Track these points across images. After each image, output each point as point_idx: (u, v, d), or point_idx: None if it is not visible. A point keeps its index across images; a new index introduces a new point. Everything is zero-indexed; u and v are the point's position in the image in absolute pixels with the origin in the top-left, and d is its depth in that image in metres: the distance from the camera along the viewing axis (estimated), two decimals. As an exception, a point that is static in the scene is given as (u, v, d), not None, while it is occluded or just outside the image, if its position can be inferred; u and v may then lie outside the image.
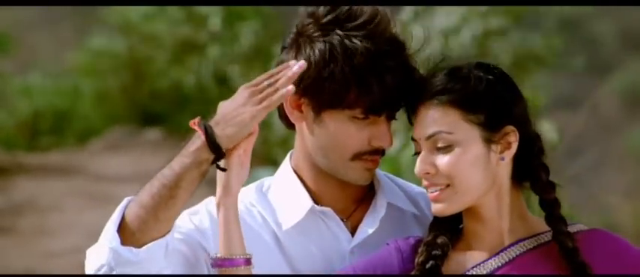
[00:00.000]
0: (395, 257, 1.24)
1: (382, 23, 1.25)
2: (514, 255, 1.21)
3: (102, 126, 7.61)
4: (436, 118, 1.20)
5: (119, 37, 7.39)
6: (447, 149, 1.18)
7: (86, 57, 7.75)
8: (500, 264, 1.20)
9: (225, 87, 6.85)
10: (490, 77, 1.22)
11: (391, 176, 1.36)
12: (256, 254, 1.23)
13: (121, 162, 6.97)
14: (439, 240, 1.20)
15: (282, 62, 1.27)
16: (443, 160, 1.18)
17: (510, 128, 1.21)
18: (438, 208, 1.19)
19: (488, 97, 1.21)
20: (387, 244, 1.24)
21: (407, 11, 4.69)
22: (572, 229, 1.21)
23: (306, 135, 1.27)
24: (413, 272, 1.22)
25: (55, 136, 7.84)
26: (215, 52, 7.01)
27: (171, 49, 7.23)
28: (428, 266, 1.18)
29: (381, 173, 1.34)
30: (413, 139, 1.25)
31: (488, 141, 1.20)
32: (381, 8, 1.28)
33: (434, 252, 1.19)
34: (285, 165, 1.32)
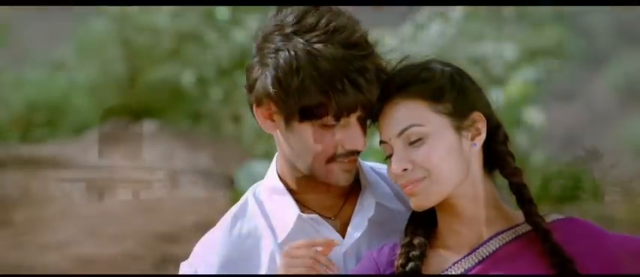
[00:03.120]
0: (372, 270, 1.24)
1: (347, 26, 1.23)
2: (494, 248, 1.21)
3: (97, 118, 7.58)
4: (405, 113, 1.21)
5: (115, 29, 7.34)
6: (420, 142, 1.19)
7: (81, 48, 7.71)
8: (480, 258, 1.20)
9: (227, 82, 6.82)
10: (449, 69, 1.24)
11: (378, 168, 1.34)
12: (261, 264, 1.25)
13: (117, 155, 6.96)
14: (416, 241, 1.20)
15: (251, 67, 1.25)
16: (418, 153, 1.19)
17: (478, 114, 1.24)
18: (416, 202, 1.19)
19: (452, 87, 1.23)
20: (364, 257, 1.24)
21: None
22: (547, 219, 1.22)
23: (282, 142, 1.26)
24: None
25: (49, 128, 7.81)
26: (219, 44, 6.97)
27: (170, 40, 7.19)
28: (407, 268, 1.18)
29: (367, 167, 1.32)
30: (382, 142, 1.24)
31: (459, 129, 1.22)
32: (345, 11, 1.26)
33: (412, 253, 1.19)
34: (272, 170, 1.32)
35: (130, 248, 4.53)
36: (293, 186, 1.25)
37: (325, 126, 1.18)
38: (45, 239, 5.34)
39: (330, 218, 1.24)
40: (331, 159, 1.20)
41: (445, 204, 1.17)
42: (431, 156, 1.16)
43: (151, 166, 6.04)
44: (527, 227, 1.19)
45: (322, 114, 1.17)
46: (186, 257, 1.25)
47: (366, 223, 1.21)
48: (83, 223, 5.33)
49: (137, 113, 7.42)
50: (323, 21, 1.20)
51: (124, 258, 4.33)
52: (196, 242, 1.31)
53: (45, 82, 7.92)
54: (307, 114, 1.17)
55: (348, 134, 1.18)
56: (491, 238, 1.17)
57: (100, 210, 6.01)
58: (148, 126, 7.11)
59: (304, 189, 1.24)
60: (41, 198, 6.15)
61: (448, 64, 1.24)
